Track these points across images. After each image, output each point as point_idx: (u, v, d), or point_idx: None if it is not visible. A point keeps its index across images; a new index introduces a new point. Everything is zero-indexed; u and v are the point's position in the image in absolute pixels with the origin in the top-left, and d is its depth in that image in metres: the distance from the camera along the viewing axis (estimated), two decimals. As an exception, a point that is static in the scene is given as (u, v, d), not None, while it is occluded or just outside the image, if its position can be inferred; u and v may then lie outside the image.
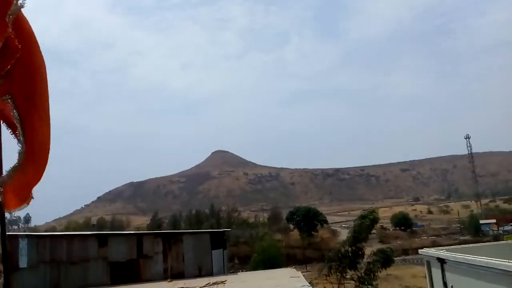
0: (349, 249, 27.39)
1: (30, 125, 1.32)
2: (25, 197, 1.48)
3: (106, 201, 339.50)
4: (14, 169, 1.44)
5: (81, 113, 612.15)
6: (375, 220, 28.83)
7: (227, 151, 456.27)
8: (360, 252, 27.40)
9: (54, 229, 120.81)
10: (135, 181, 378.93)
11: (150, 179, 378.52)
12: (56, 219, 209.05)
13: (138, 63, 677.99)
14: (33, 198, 1.49)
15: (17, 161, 1.42)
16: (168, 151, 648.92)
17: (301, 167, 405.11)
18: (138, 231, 76.64)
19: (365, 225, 28.12)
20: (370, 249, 28.57)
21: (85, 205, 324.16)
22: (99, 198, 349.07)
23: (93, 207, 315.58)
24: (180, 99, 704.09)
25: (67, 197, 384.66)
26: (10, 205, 1.49)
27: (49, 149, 1.42)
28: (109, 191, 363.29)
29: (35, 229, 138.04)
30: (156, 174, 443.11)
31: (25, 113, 1.31)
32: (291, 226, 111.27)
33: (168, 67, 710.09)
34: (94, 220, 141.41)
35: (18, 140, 1.39)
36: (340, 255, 27.36)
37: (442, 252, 13.90)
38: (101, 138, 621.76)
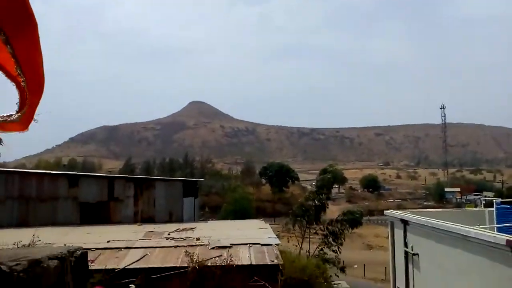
0: (312, 203, 28.04)
1: (24, 55, 1.37)
2: (27, 124, 1.56)
3: (78, 142, 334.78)
4: (23, 105, 1.48)
5: (51, 52, 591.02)
6: (335, 176, 29.66)
7: (204, 102, 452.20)
8: (322, 205, 28.06)
9: (23, 167, 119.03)
10: (108, 124, 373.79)
11: (124, 124, 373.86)
12: (26, 157, 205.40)
13: (116, 3, 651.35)
14: (35, 120, 1.56)
15: (21, 96, 1.47)
16: (144, 98, 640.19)
17: (278, 124, 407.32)
18: (110, 174, 76.44)
19: (327, 179, 28.92)
20: (338, 207, 29.42)
21: (56, 145, 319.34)
22: (71, 139, 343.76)
23: (65, 147, 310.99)
24: (160, 46, 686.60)
25: (38, 136, 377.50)
26: (15, 129, 1.57)
27: (43, 76, 1.47)
28: (82, 132, 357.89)
29: (4, 165, 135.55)
30: (131, 119, 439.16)
31: (18, 44, 1.35)
32: (263, 181, 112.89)
33: (149, 13, 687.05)
34: (65, 161, 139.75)
35: (15, 75, 1.42)
36: (303, 208, 28.01)
37: (406, 215, 14.46)
38: (73, 79, 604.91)
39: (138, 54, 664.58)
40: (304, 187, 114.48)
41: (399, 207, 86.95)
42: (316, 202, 27.96)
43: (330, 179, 23.37)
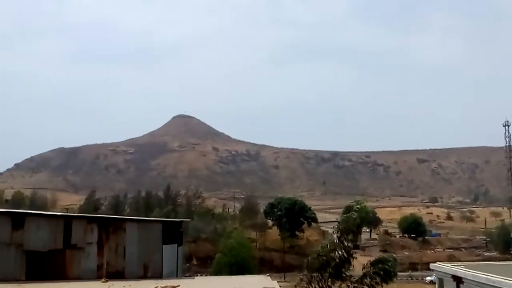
0: (335, 254, 27.73)
1: None
2: None
3: (27, 170, 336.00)
4: None
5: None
6: (364, 215, 29.24)
7: (192, 117, 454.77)
8: (348, 257, 27.72)
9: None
10: (66, 146, 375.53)
11: (87, 145, 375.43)
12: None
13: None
14: None
15: None
16: (113, 111, 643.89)
17: (289, 147, 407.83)
18: (67, 212, 76.19)
19: (352, 221, 28.46)
20: (369, 259, 29.01)
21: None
22: (17, 165, 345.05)
23: (8, 176, 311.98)
24: (134, 43, 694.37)
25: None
26: None
27: None
28: (31, 157, 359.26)
29: None
30: (96, 139, 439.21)
31: None
32: (270, 222, 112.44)
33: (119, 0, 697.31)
34: (8, 194, 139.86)
35: None
36: (322, 260, 27.69)
37: (459, 269, 14.30)
38: (23, 87, 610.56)
39: (105, 55, 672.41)
40: (324, 231, 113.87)
41: (450, 258, 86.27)
42: (339, 252, 27.61)
43: (356, 220, 23.27)
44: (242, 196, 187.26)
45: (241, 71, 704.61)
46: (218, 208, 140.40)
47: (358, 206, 28.22)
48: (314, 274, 27.67)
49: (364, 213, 29.33)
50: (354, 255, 28.40)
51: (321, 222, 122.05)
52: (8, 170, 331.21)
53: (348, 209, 29.17)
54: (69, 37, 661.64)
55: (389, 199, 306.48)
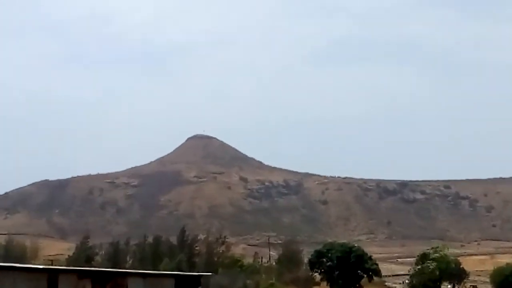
0: None
1: None
2: None
3: (0, 210, 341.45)
4: None
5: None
6: (444, 264, 28.83)
7: (213, 138, 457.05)
8: None
9: None
10: (51, 179, 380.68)
11: (77, 177, 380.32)
12: None
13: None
14: None
15: None
16: (111, 132, 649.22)
17: (341, 175, 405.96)
18: (52, 265, 76.70)
19: (429, 272, 28.37)
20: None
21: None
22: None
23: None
24: (136, 44, 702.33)
25: None
26: None
27: None
28: (6, 193, 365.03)
29: None
30: (89, 169, 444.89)
31: None
32: (317, 276, 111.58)
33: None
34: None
35: None
36: None
37: None
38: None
39: (99, 59, 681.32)
40: (391, 287, 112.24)
41: None
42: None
43: (434, 272, 22.68)
44: (279, 242, 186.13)
45: (274, 78, 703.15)
46: (248, 257, 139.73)
47: (436, 255, 28.10)
48: None
49: (445, 264, 29.17)
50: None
51: (385, 276, 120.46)
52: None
53: (422, 258, 29.09)
54: (54, 36, 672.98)
55: (478, 244, 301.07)
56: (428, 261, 24.08)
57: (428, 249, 25.29)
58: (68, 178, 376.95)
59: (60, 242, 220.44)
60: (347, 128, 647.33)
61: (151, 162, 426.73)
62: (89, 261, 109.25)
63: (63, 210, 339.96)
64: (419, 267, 24.60)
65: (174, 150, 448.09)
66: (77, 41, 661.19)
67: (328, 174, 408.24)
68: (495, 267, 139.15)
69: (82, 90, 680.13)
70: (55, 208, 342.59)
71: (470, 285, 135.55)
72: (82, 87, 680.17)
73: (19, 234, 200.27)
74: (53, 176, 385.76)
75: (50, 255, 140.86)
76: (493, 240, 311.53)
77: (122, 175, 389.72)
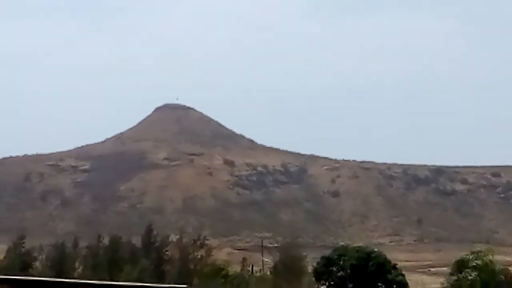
0: None
1: None
2: None
3: None
4: None
5: None
6: (490, 273, 29.10)
7: (190, 109, 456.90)
8: None
9: None
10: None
11: (9, 158, 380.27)
12: None
13: None
14: None
15: None
16: (54, 101, 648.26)
17: (357, 159, 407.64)
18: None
19: (467, 286, 28.74)
20: None
21: None
22: None
23: None
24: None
25: None
26: None
27: None
28: None
29: None
30: (26, 148, 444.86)
31: None
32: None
33: None
34: None
35: None
36: None
37: None
38: None
39: (39, 6, 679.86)
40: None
41: None
42: None
43: (476, 284, 22.83)
44: (275, 245, 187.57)
45: (267, 29, 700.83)
46: (235, 264, 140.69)
47: (478, 261, 28.36)
48: None
49: (490, 274, 29.42)
50: None
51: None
52: None
53: (459, 267, 29.23)
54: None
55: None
56: (467, 270, 24.28)
57: (467, 255, 25.49)
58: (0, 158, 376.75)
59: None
60: (364, 98, 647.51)
61: (106, 139, 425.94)
62: (25, 268, 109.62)
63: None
64: (455, 278, 24.73)
65: (137, 124, 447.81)
66: None
67: (340, 157, 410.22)
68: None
69: (18, 42, 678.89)
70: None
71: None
72: (19, 39, 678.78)
73: None
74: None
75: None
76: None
77: (69, 156, 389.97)
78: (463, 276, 27.39)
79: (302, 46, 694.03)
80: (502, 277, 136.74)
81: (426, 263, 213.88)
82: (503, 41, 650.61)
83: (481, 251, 28.58)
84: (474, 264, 27.07)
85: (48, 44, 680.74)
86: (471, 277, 26.87)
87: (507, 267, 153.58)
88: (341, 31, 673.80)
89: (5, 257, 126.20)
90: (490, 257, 28.13)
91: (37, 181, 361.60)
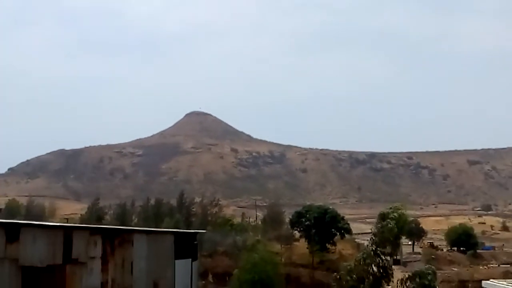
0: (370, 270, 27.40)
1: None
2: None
3: (22, 175, 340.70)
4: None
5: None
6: (402, 222, 28.31)
7: (208, 114, 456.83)
8: (385, 273, 27.40)
9: None
10: (67, 148, 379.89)
11: (89, 147, 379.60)
12: None
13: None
14: None
15: None
16: (119, 109, 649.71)
17: (319, 147, 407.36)
18: (67, 223, 76.84)
19: (388, 230, 27.92)
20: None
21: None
22: (11, 170, 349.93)
23: (2, 182, 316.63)
24: (141, 32, 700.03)
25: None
26: None
27: None
28: (27, 161, 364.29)
29: None
30: (99, 140, 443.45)
31: None
32: (297, 234, 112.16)
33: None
34: (1, 202, 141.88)
35: None
36: (354, 277, 27.40)
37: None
38: (16, 83, 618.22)
39: (108, 45, 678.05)
40: (359, 243, 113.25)
41: (506, 275, 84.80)
42: (374, 268, 27.34)
43: (393, 229, 22.37)
44: (265, 204, 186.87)
45: (262, 62, 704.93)
46: (238, 217, 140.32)
47: (395, 214, 27.72)
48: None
49: (403, 222, 28.64)
50: (392, 271, 28.00)
51: (355, 234, 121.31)
52: (1, 175, 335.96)
53: (383, 217, 28.50)
54: (67, 24, 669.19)
55: (435, 207, 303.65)
56: (388, 220, 24.01)
57: (387, 209, 25.19)
58: (81, 148, 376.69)
59: (75, 203, 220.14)
60: (326, 106, 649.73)
61: (153, 134, 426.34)
62: (99, 220, 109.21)
63: (77, 176, 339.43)
64: (379, 225, 24.51)
65: (174, 124, 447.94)
66: (86, 28, 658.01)
67: (307, 146, 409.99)
68: (450, 227, 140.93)
69: (93, 72, 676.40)
70: (70, 173, 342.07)
71: (428, 242, 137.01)
72: (94, 70, 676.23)
73: (39, 196, 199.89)
74: (68, 146, 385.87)
75: (65, 215, 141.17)
76: (448, 203, 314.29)
77: (129, 146, 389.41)
78: (385, 224, 26.70)
79: (285, 72, 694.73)
80: (414, 225, 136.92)
81: (363, 216, 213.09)
82: (415, 66, 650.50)
83: (396, 206, 27.88)
84: (392, 216, 26.45)
85: (121, 73, 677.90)
86: (390, 225, 26.22)
87: (417, 218, 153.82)
88: (315, 62, 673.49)
89: (86, 212, 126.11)
90: (403, 210, 27.46)
91: (107, 162, 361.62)
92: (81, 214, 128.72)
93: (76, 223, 73.90)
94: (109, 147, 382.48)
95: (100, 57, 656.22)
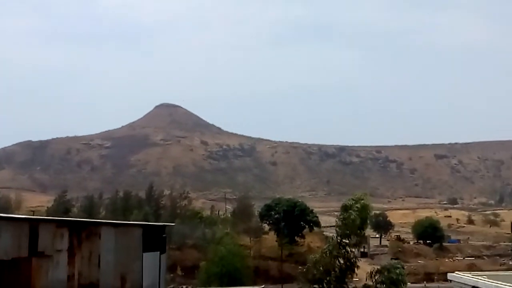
0: (335, 262, 27.49)
1: None
2: None
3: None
4: None
5: None
6: (365, 213, 28.25)
7: (178, 107, 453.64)
8: (350, 265, 27.54)
9: None
10: (34, 139, 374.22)
11: (57, 138, 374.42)
12: None
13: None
14: None
15: None
16: (88, 100, 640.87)
17: (288, 141, 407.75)
18: (33, 215, 75.83)
19: (351, 221, 27.86)
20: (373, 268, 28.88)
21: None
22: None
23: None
24: (112, 23, 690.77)
25: None
26: None
27: None
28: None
29: None
30: (67, 132, 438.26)
31: None
32: (266, 227, 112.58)
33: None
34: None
35: None
36: (320, 269, 27.47)
37: (480, 280, 14.43)
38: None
39: (78, 36, 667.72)
40: (328, 236, 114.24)
41: (471, 268, 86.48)
42: (340, 260, 27.44)
43: (356, 221, 22.24)
44: (234, 197, 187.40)
45: (234, 54, 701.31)
46: (207, 210, 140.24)
47: (358, 205, 27.65)
48: (315, 286, 27.57)
49: (366, 213, 28.54)
50: (357, 263, 28.15)
51: (324, 227, 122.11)
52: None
53: (345, 208, 28.37)
54: (39, 14, 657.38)
55: (403, 200, 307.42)
56: (350, 211, 23.87)
57: (349, 200, 24.92)
58: (48, 139, 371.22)
59: (41, 195, 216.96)
60: (296, 100, 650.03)
61: (122, 126, 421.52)
62: (66, 212, 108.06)
63: (44, 167, 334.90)
64: (342, 216, 24.36)
65: (143, 116, 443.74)
66: (57, 18, 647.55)
67: (277, 139, 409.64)
68: (416, 220, 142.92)
69: (62, 62, 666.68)
70: (37, 165, 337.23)
71: (395, 235, 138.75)
72: (62, 60, 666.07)
73: (4, 188, 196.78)
74: (35, 138, 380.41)
75: (32, 207, 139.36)
76: (415, 197, 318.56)
77: (97, 138, 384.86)
78: (347, 216, 26.70)
79: (255, 64, 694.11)
80: (381, 218, 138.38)
81: (332, 209, 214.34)
82: (387, 60, 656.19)
83: (359, 197, 27.84)
84: (355, 207, 26.45)
85: (91, 63, 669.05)
86: (353, 216, 26.24)
87: (384, 212, 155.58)
88: (287, 55, 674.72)
89: (53, 205, 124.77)
90: (365, 201, 27.41)
91: (75, 154, 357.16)
92: (47, 207, 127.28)
93: (42, 216, 72.97)
94: (76, 138, 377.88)
95: (69, 47, 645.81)
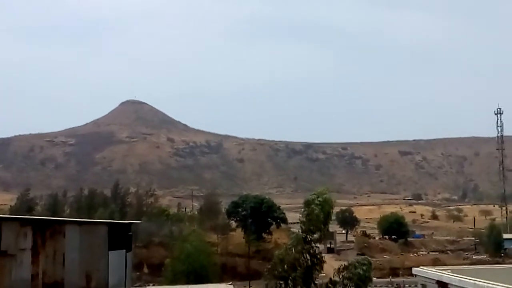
0: (301, 256, 27.55)
1: None
2: None
3: None
4: None
5: None
6: (328, 207, 28.32)
7: (144, 103, 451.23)
8: (316, 261, 27.66)
9: None
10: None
11: (19, 136, 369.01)
12: None
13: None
14: None
15: None
16: (51, 96, 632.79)
17: (255, 138, 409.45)
18: (-4, 214, 74.69)
19: (315, 216, 27.89)
20: (340, 264, 29.11)
21: None
22: None
23: None
24: (74, 17, 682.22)
25: None
26: None
27: None
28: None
29: None
30: (30, 129, 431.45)
31: None
32: (233, 224, 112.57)
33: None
34: None
35: None
36: (285, 266, 27.54)
37: (445, 274, 14.68)
38: None
39: (42, 31, 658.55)
40: (295, 232, 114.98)
41: (435, 262, 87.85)
42: (305, 256, 27.46)
43: (319, 216, 22.30)
44: (201, 194, 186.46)
45: (200, 51, 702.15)
46: (174, 207, 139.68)
47: (320, 199, 27.70)
48: (281, 282, 27.60)
49: (329, 207, 28.55)
50: (323, 259, 28.32)
51: (291, 223, 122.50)
52: None
53: (308, 203, 28.38)
54: (1, 9, 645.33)
55: (368, 196, 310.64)
56: (313, 206, 23.92)
57: (311, 195, 24.91)
58: (11, 137, 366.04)
59: (3, 194, 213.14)
60: (263, 97, 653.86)
61: (86, 123, 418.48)
62: (30, 210, 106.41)
63: (6, 165, 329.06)
64: (306, 211, 24.42)
65: (108, 113, 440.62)
66: (20, 12, 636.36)
67: (244, 136, 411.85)
68: (382, 216, 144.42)
69: (25, 58, 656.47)
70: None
71: (361, 231, 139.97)
72: (26, 55, 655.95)
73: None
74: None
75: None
76: (380, 193, 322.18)
77: (61, 135, 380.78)
78: (311, 211, 26.73)
79: (222, 61, 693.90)
80: (347, 214, 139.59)
81: (299, 205, 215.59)
82: (350, 59, 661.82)
83: (321, 192, 27.83)
84: (317, 201, 26.48)
85: (54, 58, 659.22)
86: (316, 211, 26.29)
87: (350, 207, 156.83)
88: (253, 52, 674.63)
89: (16, 203, 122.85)
90: (327, 195, 27.46)
91: (38, 152, 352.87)
92: (10, 205, 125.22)
93: (5, 215, 71.73)
94: (40, 136, 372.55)
95: (33, 43, 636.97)
